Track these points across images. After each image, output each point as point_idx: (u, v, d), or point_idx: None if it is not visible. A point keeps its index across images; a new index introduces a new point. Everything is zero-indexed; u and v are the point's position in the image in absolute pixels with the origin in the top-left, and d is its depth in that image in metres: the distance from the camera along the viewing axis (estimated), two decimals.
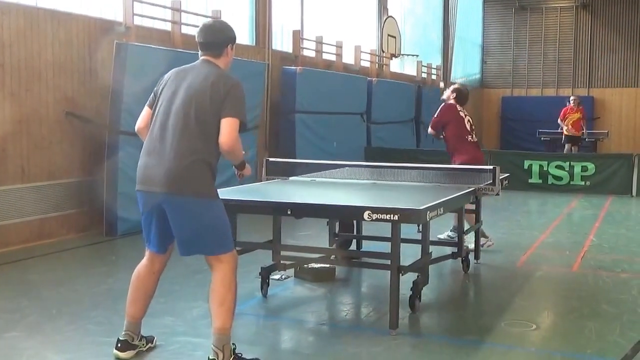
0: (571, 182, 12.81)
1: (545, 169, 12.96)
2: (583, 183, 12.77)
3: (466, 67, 23.70)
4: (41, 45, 7.57)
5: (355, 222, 6.64)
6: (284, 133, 11.92)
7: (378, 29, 16.69)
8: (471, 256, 6.64)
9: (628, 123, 22.89)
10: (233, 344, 3.90)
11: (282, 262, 5.63)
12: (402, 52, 17.16)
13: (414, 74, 18.75)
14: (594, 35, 23.36)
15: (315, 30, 13.77)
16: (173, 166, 3.78)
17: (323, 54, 13.73)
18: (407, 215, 4.36)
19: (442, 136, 7.66)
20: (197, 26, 4.13)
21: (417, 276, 5.18)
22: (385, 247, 5.30)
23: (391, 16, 16.64)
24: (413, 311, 5.05)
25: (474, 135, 7.62)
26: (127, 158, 7.65)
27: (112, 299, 5.32)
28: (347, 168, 6.94)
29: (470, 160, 7.15)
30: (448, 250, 6.40)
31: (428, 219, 4.52)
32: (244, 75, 7.47)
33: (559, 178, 12.89)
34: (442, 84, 6.62)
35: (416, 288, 5.10)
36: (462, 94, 7.72)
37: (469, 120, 7.62)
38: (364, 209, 4.40)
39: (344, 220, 6.49)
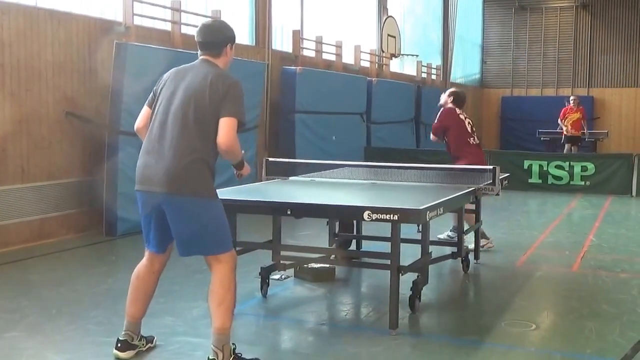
0: (571, 182, 12.82)
1: (545, 169, 12.96)
2: (583, 183, 12.77)
3: (466, 67, 23.70)
4: (41, 45, 7.57)
5: (355, 222, 6.64)
6: (284, 133, 11.92)
7: (378, 28, 16.70)
8: (471, 256, 6.64)
9: (628, 123, 22.89)
10: (233, 344, 3.90)
11: (282, 262, 5.63)
12: (402, 52, 17.17)
13: (414, 74, 18.75)
14: (593, 35, 23.36)
15: (315, 30, 13.77)
16: (172, 166, 3.78)
17: (323, 53, 13.74)
18: (407, 215, 4.36)
19: (444, 141, 7.63)
20: (197, 26, 4.13)
21: (417, 276, 5.18)
22: (385, 247, 5.30)
23: (391, 16, 16.64)
24: (413, 311, 5.05)
25: (475, 138, 7.61)
26: (127, 158, 7.64)
27: (112, 299, 5.32)
28: (346, 168, 6.94)
29: (474, 163, 7.11)
30: (448, 250, 6.40)
31: (428, 219, 4.53)
32: (243, 75, 7.47)
33: (559, 178, 12.89)
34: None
35: (416, 288, 5.10)
36: (459, 97, 7.71)
37: (469, 123, 7.62)
38: (364, 209, 4.40)
39: (344, 220, 6.49)
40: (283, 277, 6.03)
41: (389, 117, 15.66)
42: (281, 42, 12.88)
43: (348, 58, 15.01)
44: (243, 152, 4.04)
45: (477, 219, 6.76)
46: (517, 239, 8.23)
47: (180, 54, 8.48)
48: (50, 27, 7.68)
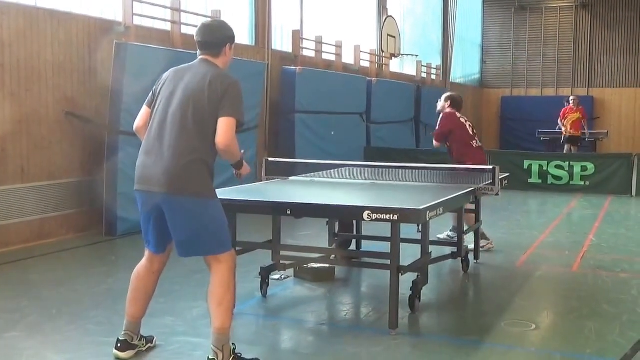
0: (571, 182, 12.82)
1: (545, 168, 12.97)
2: (583, 183, 12.77)
3: (466, 67, 23.70)
4: (41, 45, 7.57)
5: (354, 222, 6.64)
6: (284, 133, 11.93)
7: (378, 28, 16.69)
8: (471, 256, 6.64)
9: (628, 123, 22.89)
10: (233, 343, 3.90)
11: (281, 262, 5.63)
12: (401, 52, 17.17)
13: (414, 73, 18.75)
14: (593, 35, 23.36)
15: (314, 30, 13.77)
16: (171, 165, 3.77)
17: (323, 53, 13.73)
18: (407, 215, 4.36)
19: (446, 145, 7.60)
20: (197, 26, 4.13)
21: (417, 276, 5.18)
22: (385, 247, 5.30)
23: (391, 16, 16.64)
24: (413, 311, 5.05)
25: (477, 140, 7.60)
26: (126, 158, 7.64)
27: (112, 299, 5.32)
28: (346, 168, 6.95)
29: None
30: (448, 250, 6.39)
31: (428, 219, 4.53)
32: (243, 75, 7.48)
33: (559, 178, 12.90)
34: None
35: (416, 288, 5.10)
36: (456, 101, 7.70)
37: (470, 125, 7.60)
38: (364, 209, 4.40)
39: (344, 220, 6.49)
40: (283, 277, 6.03)
41: (388, 117, 15.66)
42: (281, 42, 12.88)
43: (348, 58, 15.01)
44: (243, 151, 4.03)
45: (477, 219, 6.76)
46: (517, 239, 8.23)
47: (180, 54, 8.48)
48: (50, 27, 7.68)
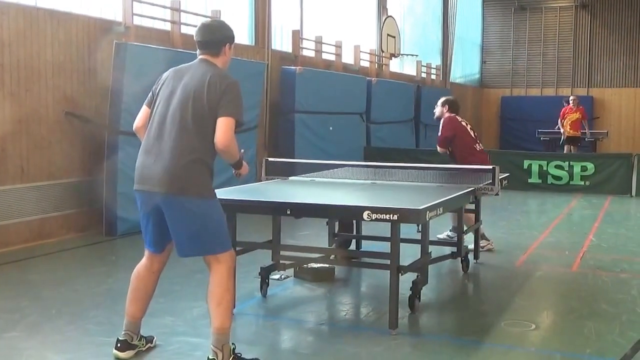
0: (571, 182, 12.82)
1: (544, 168, 12.97)
2: (582, 183, 12.78)
3: (465, 67, 23.71)
4: (40, 45, 7.57)
5: (354, 222, 6.64)
6: (284, 133, 11.92)
7: (377, 28, 16.69)
8: (471, 256, 6.64)
9: (627, 123, 22.89)
10: (232, 343, 3.90)
11: (281, 262, 5.63)
12: (401, 52, 17.17)
13: (414, 73, 18.75)
14: (593, 35, 23.36)
15: (314, 30, 13.77)
16: (171, 165, 3.78)
17: (322, 53, 13.73)
18: (407, 215, 4.37)
19: (448, 151, 7.49)
20: (197, 26, 4.13)
21: (417, 276, 5.18)
22: (385, 247, 5.30)
23: (391, 16, 16.64)
24: (413, 311, 5.05)
25: (479, 144, 7.57)
26: (126, 158, 7.64)
27: (112, 299, 5.32)
28: (346, 168, 6.95)
29: None
30: (447, 250, 6.40)
31: (427, 219, 4.53)
32: (243, 75, 7.48)
33: (559, 178, 12.90)
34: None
35: (415, 288, 5.11)
36: (453, 104, 7.66)
37: (471, 128, 7.58)
38: (364, 208, 4.40)
39: (344, 220, 6.49)
40: (283, 277, 6.03)
41: (388, 117, 15.66)
42: (281, 42, 12.88)
43: (348, 58, 15.01)
44: (242, 151, 4.03)
45: (477, 219, 6.75)
46: (517, 239, 8.23)
47: (179, 53, 8.48)
48: (50, 27, 7.68)
